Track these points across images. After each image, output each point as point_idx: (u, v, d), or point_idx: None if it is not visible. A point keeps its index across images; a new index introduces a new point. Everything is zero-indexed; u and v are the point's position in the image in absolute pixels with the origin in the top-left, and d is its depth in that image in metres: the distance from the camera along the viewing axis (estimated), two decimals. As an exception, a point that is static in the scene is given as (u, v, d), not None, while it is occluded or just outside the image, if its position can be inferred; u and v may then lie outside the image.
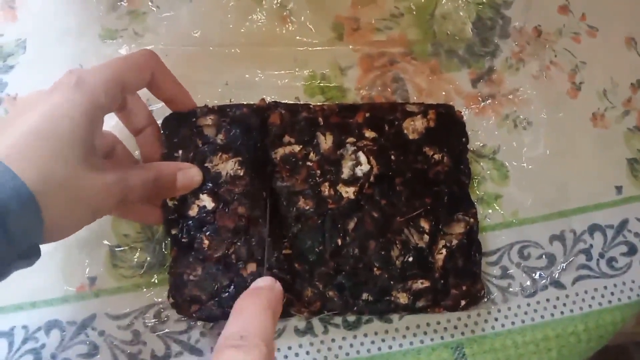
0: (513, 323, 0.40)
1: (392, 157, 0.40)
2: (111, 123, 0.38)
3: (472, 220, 0.39)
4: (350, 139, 0.40)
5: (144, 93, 0.37)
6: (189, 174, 0.37)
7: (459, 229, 0.39)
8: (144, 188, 0.34)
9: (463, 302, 0.38)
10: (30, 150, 0.28)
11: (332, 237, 0.38)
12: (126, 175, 0.32)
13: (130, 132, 0.38)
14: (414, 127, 0.40)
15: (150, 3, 0.45)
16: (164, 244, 0.40)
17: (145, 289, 0.39)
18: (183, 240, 0.37)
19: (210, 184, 0.38)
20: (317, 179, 0.39)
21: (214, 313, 0.37)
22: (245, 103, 0.40)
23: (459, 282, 0.38)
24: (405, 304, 0.37)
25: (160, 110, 0.40)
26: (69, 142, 0.29)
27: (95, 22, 0.44)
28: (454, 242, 0.39)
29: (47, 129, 0.28)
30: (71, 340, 0.38)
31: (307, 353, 0.38)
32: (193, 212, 0.38)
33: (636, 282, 0.42)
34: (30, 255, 0.29)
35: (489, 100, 0.45)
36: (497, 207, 0.43)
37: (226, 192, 0.38)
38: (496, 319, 0.40)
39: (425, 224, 0.39)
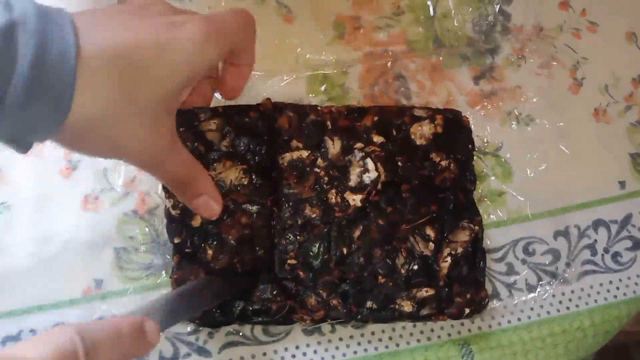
0: (519, 319, 0.40)
1: (399, 163, 0.39)
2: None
3: (477, 228, 0.39)
4: (359, 144, 0.39)
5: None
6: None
7: (464, 236, 0.39)
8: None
9: (467, 311, 0.38)
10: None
11: (338, 245, 0.37)
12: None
13: None
14: (422, 132, 0.40)
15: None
16: (169, 245, 0.39)
17: (151, 291, 0.39)
18: (187, 251, 0.37)
19: None
20: (324, 185, 0.38)
21: (217, 320, 0.37)
22: (250, 104, 0.39)
23: (463, 290, 0.38)
24: (410, 312, 0.37)
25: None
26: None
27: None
28: (459, 250, 0.38)
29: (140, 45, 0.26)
30: (78, 343, 0.38)
31: (315, 352, 0.38)
32: (196, 222, 0.37)
33: (641, 277, 0.42)
34: (22, 145, 0.25)
35: (491, 106, 0.45)
36: (501, 204, 0.43)
37: (230, 201, 0.37)
38: (502, 315, 0.40)
39: (430, 232, 0.38)
